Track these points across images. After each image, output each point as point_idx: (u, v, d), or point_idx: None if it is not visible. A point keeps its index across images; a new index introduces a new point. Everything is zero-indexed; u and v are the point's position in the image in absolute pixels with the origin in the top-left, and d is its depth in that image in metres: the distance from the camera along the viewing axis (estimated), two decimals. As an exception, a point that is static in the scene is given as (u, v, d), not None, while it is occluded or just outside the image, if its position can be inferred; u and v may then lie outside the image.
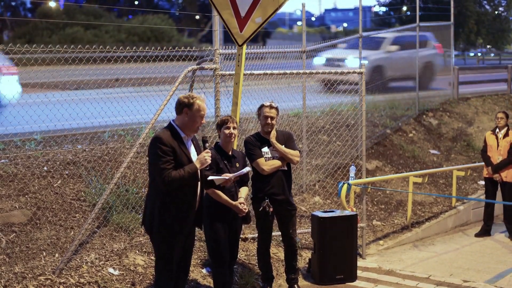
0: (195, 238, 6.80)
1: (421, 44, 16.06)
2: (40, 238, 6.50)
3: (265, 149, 6.69)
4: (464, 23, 38.05)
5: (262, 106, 6.74)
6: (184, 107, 5.11)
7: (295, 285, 6.96)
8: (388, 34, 17.84)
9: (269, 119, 6.64)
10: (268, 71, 8.00)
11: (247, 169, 5.95)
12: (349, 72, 8.68)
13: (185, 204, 5.14)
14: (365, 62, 14.25)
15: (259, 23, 6.86)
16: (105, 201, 6.79)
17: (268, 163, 6.64)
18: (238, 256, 6.84)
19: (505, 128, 9.90)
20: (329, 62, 14.03)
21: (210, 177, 5.41)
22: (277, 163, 6.66)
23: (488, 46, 43.76)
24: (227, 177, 5.57)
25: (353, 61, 13.62)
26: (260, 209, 6.60)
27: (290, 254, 6.94)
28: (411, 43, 15.38)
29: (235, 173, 5.70)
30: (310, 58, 10.82)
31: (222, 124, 6.15)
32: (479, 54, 43.31)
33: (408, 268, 8.13)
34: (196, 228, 5.47)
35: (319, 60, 14.27)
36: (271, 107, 6.66)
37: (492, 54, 44.12)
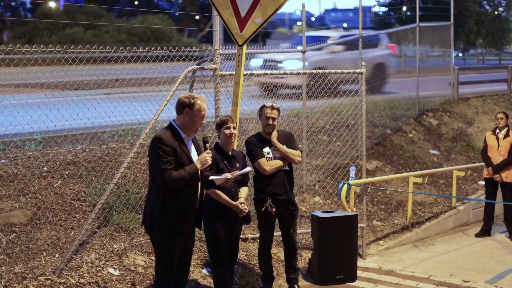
0: (195, 238, 6.81)
1: (372, 44, 15.13)
2: (40, 238, 6.50)
3: (267, 149, 6.70)
4: (464, 23, 38.07)
5: (263, 107, 6.74)
6: (185, 107, 5.11)
7: (295, 285, 6.97)
8: (332, 33, 16.95)
9: (270, 120, 6.65)
10: (268, 71, 8.00)
11: (248, 169, 5.95)
12: (349, 72, 8.67)
13: (185, 204, 5.13)
14: (306, 63, 13.64)
15: (259, 23, 6.86)
16: (105, 201, 6.79)
17: (269, 163, 6.65)
18: (238, 256, 6.84)
19: (506, 129, 9.89)
20: (267, 64, 13.03)
21: (211, 177, 5.41)
22: (278, 163, 6.67)
23: (498, 53, 43.65)
24: (228, 177, 5.56)
25: (292, 63, 12.84)
26: (262, 209, 6.61)
27: (289, 254, 6.95)
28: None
29: (237, 173, 5.69)
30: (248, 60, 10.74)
31: (222, 124, 6.15)
32: (460, 54, 43.18)
33: (408, 268, 8.13)
34: (196, 229, 5.47)
35: (256, 62, 13.38)
36: (272, 108, 6.67)
37: (471, 53, 44.08)
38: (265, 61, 13.24)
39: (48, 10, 37.63)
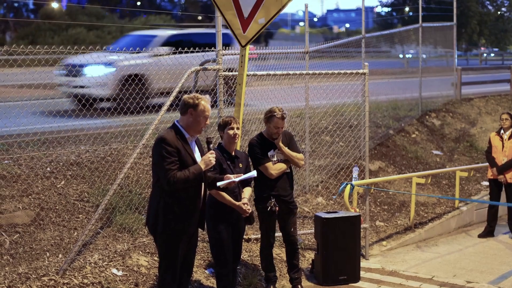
0: (199, 239, 6.79)
1: (202, 45, 11.03)
2: (44, 239, 6.50)
3: (271, 152, 6.70)
4: (467, 23, 38.08)
5: (273, 115, 6.63)
6: (189, 107, 5.10)
7: (299, 285, 6.94)
8: (161, 32, 14.40)
9: (280, 129, 6.65)
10: (271, 72, 7.99)
11: (253, 173, 5.89)
12: (352, 73, 8.65)
13: (189, 205, 5.13)
14: (112, 69, 11.22)
15: (262, 24, 6.86)
16: (109, 202, 6.79)
17: (275, 167, 6.65)
18: (241, 257, 6.83)
19: (510, 129, 9.88)
20: (70, 70, 11.22)
21: (219, 183, 5.38)
22: (283, 166, 6.70)
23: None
24: (236, 181, 5.51)
25: (95, 69, 10.96)
26: (268, 209, 6.60)
27: (291, 253, 6.93)
28: (198, 44, 10.09)
29: (242, 177, 5.62)
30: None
31: (225, 125, 6.14)
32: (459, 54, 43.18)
33: (411, 269, 8.12)
34: (199, 229, 5.46)
35: (58, 70, 11.83)
36: (282, 118, 6.61)
37: (475, 53, 44.13)
38: (68, 65, 11.45)
39: (51, 11, 37.71)
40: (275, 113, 6.61)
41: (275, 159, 6.68)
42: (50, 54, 6.52)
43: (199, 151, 5.28)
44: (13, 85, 6.86)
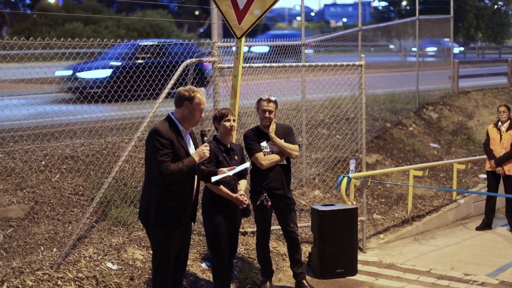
0: (195, 232, 6.75)
1: None
2: (38, 233, 6.45)
3: (264, 144, 6.63)
4: (464, 17, 38.03)
5: (260, 99, 6.67)
6: (185, 100, 5.04)
7: (303, 281, 6.85)
8: None
9: (267, 113, 6.58)
10: (267, 64, 7.95)
11: (246, 164, 5.86)
12: (348, 65, 8.59)
13: (181, 198, 5.07)
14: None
15: (257, 16, 6.81)
16: (103, 195, 6.74)
17: (266, 157, 6.59)
18: (237, 250, 6.79)
19: (508, 122, 9.86)
20: None
21: (213, 179, 5.32)
22: (275, 157, 6.61)
23: None
24: (230, 174, 5.45)
25: None
26: (258, 203, 6.55)
27: (292, 248, 6.85)
28: None
29: (236, 170, 5.57)
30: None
31: (221, 117, 6.09)
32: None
33: (408, 262, 8.09)
34: (196, 222, 5.40)
35: None
36: (269, 100, 6.59)
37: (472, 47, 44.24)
38: None
39: (47, 6, 37.59)
40: (262, 97, 6.64)
41: (268, 150, 6.62)
42: (43, 49, 6.45)
43: (193, 144, 5.22)
44: (5, 80, 6.80)
